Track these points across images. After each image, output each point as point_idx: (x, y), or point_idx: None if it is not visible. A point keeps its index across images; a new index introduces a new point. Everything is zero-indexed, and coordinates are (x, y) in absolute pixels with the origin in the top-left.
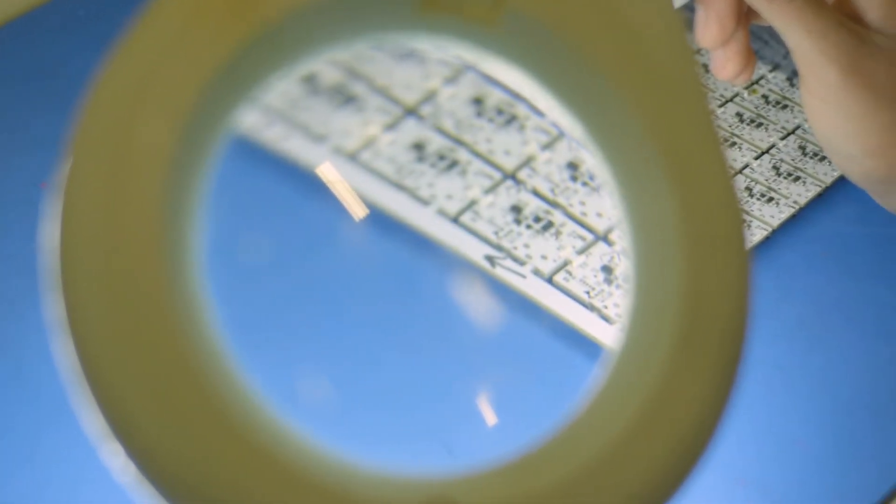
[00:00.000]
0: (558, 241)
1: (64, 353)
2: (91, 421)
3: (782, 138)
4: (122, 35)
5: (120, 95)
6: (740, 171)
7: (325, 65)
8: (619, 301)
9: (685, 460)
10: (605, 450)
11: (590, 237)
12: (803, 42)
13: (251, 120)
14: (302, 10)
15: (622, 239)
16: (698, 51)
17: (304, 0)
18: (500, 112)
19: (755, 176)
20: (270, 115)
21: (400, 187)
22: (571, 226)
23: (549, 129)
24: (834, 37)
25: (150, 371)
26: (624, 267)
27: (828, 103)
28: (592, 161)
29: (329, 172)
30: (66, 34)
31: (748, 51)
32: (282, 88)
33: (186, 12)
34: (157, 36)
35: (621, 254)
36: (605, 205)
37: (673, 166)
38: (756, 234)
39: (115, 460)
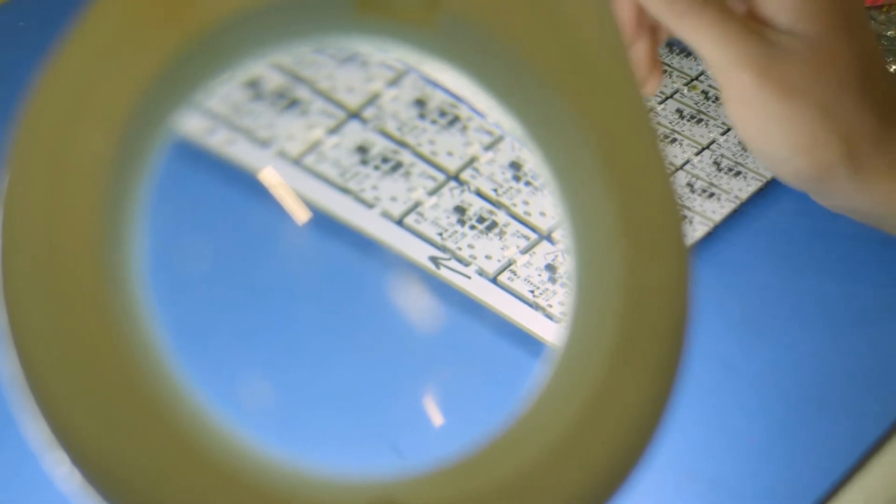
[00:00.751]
0: (502, 241)
1: (5, 363)
2: (34, 430)
3: (722, 134)
4: (58, 44)
5: (57, 104)
6: (681, 168)
7: (268, 69)
8: (563, 299)
9: (629, 457)
10: (549, 448)
11: (533, 236)
12: (714, 53)
13: (195, 125)
14: (239, 14)
15: (565, 238)
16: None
17: (241, 4)
18: (442, 114)
19: (696, 172)
20: (214, 120)
21: (344, 190)
22: (515, 225)
23: (491, 130)
24: (743, 44)
25: (92, 378)
26: (567, 265)
27: (748, 109)
28: (534, 161)
29: (272, 176)
30: (6, 45)
31: (652, 62)
32: (224, 93)
33: (121, 19)
34: (94, 43)
35: (565, 252)
36: (547, 204)
37: (611, 165)
38: (698, 230)
39: (59, 469)
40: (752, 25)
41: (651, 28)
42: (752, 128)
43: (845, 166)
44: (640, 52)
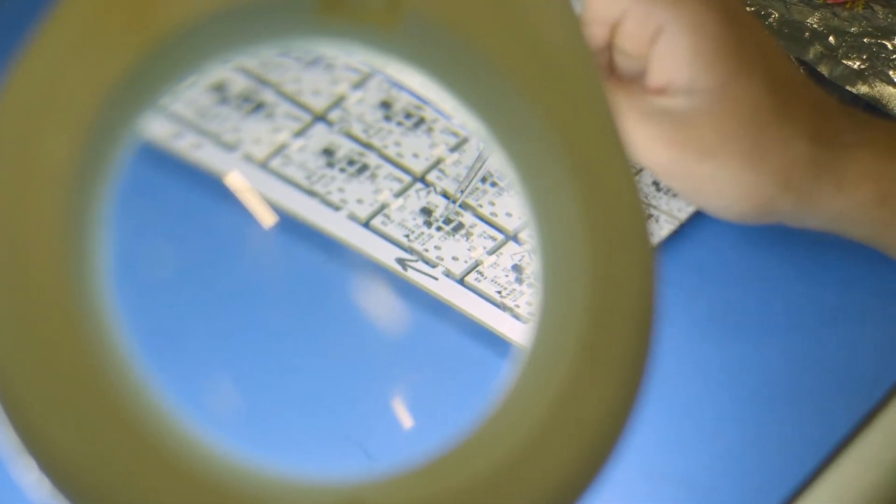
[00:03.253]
0: (469, 242)
1: None
2: (1, 436)
3: None
4: (21, 48)
5: (20, 108)
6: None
7: (234, 73)
8: (530, 300)
9: (598, 457)
10: (518, 448)
11: (500, 237)
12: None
13: (160, 129)
14: (202, 18)
15: (531, 238)
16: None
17: (204, 7)
18: (408, 115)
19: None
20: (179, 124)
21: (310, 193)
22: (482, 226)
23: (456, 131)
24: (646, 126)
25: (60, 383)
26: (534, 266)
27: (676, 179)
28: (499, 161)
29: (238, 180)
30: None
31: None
32: (189, 97)
33: (85, 22)
34: (57, 47)
35: (531, 253)
36: (514, 204)
37: (575, 164)
38: (664, 228)
39: (28, 476)
40: (648, 104)
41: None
42: (686, 191)
43: (787, 199)
44: None
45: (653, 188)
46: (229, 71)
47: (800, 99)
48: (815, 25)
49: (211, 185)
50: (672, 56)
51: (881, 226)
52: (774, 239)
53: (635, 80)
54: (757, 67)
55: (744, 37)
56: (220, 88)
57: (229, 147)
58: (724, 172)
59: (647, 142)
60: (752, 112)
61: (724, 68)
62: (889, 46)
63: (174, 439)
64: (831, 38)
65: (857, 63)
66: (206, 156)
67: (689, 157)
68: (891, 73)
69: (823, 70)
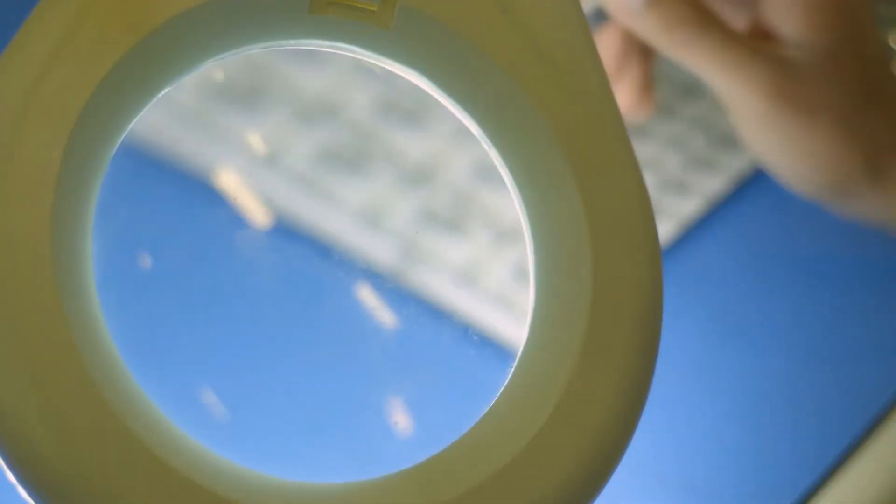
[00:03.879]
0: (469, 242)
1: None
2: None
3: (692, 129)
4: (4, 48)
5: (3, 107)
6: (651, 165)
7: (225, 70)
8: (530, 301)
9: (599, 462)
10: (517, 454)
11: (501, 237)
12: (722, 80)
13: (149, 127)
14: (190, 15)
15: (532, 238)
16: None
17: (192, 4)
18: (408, 112)
19: (667, 168)
20: (169, 123)
21: (305, 192)
22: (482, 226)
23: (457, 127)
24: (752, 68)
25: (42, 386)
26: (535, 266)
27: (764, 133)
28: (499, 160)
29: (231, 178)
30: None
31: (645, 86)
32: (178, 95)
33: (70, 21)
34: (40, 47)
35: (532, 253)
36: (514, 204)
37: (577, 163)
38: (669, 229)
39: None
40: (759, 46)
41: (642, 51)
42: (770, 149)
43: (867, 177)
44: (632, 76)
45: (658, 188)
46: (219, 68)
47: (890, 84)
48: None
49: (202, 185)
50: (790, 6)
51: None
52: (779, 240)
53: (738, 21)
54: (867, 39)
55: (856, 7)
56: (210, 86)
57: (220, 145)
58: (816, 137)
59: (748, 86)
60: (856, 82)
61: (839, 31)
62: None
63: (162, 443)
64: None
65: None
66: (196, 154)
67: (785, 113)
68: None
69: None
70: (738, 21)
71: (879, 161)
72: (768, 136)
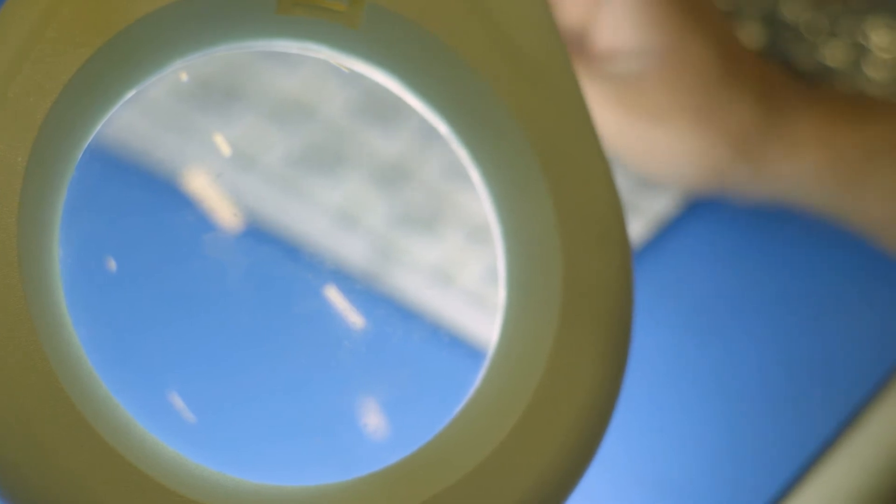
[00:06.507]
0: (442, 241)
1: None
2: None
3: None
4: None
5: None
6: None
7: (194, 71)
8: (502, 300)
9: (573, 461)
10: (490, 453)
11: (473, 236)
12: None
13: (120, 129)
14: (157, 16)
15: (504, 237)
16: None
17: (158, 5)
18: (379, 111)
19: None
20: (137, 124)
21: (278, 192)
22: (455, 226)
23: (429, 128)
24: (590, 90)
25: (12, 393)
26: (507, 265)
27: (626, 144)
28: (469, 159)
29: (202, 180)
30: None
31: None
32: (148, 95)
33: (36, 22)
34: (4, 49)
35: (504, 252)
36: (486, 203)
37: (547, 161)
38: (643, 227)
39: None
40: (596, 68)
41: None
42: (636, 158)
43: (737, 163)
44: None
45: (629, 185)
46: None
47: (745, 63)
48: None
49: (173, 187)
50: (618, 18)
51: (833, 191)
52: (753, 238)
53: (581, 45)
54: (703, 30)
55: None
56: (180, 86)
57: (190, 146)
58: (674, 136)
59: (596, 108)
60: (701, 74)
61: (671, 30)
62: None
63: (134, 449)
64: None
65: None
66: (166, 155)
67: (639, 122)
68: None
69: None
70: (578, 48)
71: (749, 144)
72: (630, 146)
